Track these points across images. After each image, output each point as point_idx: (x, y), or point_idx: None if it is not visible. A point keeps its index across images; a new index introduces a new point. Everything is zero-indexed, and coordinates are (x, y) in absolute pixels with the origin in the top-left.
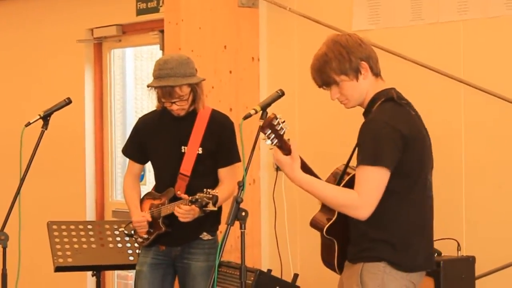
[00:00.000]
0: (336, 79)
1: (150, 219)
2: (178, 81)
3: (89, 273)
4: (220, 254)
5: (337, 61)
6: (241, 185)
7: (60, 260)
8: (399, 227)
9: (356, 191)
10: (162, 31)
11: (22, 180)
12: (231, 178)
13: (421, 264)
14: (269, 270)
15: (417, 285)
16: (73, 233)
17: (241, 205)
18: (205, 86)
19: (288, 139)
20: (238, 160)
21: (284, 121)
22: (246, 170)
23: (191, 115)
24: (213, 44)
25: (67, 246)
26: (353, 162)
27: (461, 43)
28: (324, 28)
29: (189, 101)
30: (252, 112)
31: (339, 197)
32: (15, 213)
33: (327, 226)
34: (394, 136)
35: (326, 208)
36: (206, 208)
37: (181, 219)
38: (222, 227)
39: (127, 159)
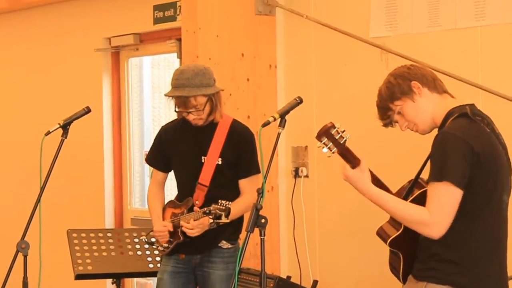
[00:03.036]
0: (392, 107)
1: (171, 229)
2: (192, 92)
3: (109, 280)
4: (240, 261)
5: (387, 89)
6: (260, 192)
7: (80, 268)
8: (468, 249)
9: (427, 208)
10: (179, 40)
11: (42, 188)
12: (251, 189)
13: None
14: (288, 277)
15: None
16: (93, 241)
17: (260, 212)
18: (223, 93)
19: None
20: (258, 171)
21: (344, 130)
22: (265, 177)
23: (212, 125)
24: (230, 52)
25: (87, 254)
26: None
27: (478, 49)
28: (341, 35)
29: (206, 111)
30: (271, 119)
31: (410, 213)
32: (35, 221)
33: (391, 238)
34: (465, 151)
35: (394, 220)
36: (219, 220)
37: (188, 234)
38: (242, 235)
39: (146, 168)
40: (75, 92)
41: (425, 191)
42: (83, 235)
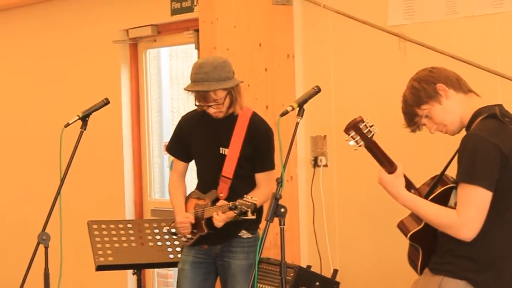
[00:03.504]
0: (419, 112)
1: (193, 221)
2: (212, 86)
3: (130, 271)
4: (260, 251)
5: (412, 95)
6: (279, 182)
7: (101, 259)
8: (486, 247)
9: (457, 210)
10: (197, 30)
11: (62, 180)
12: (267, 183)
13: (504, 286)
14: (309, 266)
15: None
16: (113, 232)
17: (280, 202)
18: (241, 84)
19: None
20: (272, 167)
21: (372, 125)
22: (284, 166)
23: (232, 117)
24: (248, 42)
25: (108, 245)
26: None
27: (496, 36)
28: (359, 23)
29: (226, 104)
30: (289, 109)
31: (440, 217)
32: (56, 213)
33: (411, 232)
34: (493, 154)
35: (415, 215)
36: (245, 217)
37: (217, 225)
38: (262, 225)
39: (165, 159)
40: (93, 84)
41: (448, 189)
42: (104, 226)
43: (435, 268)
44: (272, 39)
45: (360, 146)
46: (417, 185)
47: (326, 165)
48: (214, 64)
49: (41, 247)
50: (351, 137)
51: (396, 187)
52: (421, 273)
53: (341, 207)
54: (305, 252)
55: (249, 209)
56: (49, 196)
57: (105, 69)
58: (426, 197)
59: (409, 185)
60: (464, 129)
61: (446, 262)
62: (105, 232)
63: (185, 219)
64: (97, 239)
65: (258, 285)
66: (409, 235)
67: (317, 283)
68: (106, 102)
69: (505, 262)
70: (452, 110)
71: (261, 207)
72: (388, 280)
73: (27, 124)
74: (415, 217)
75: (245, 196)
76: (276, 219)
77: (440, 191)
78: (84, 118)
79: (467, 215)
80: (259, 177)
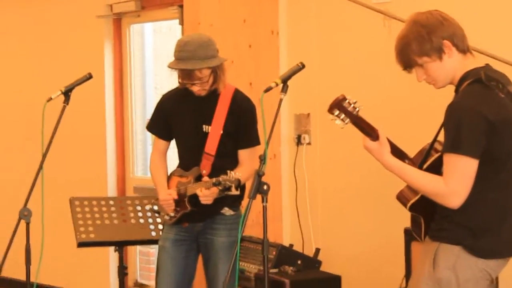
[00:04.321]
0: (418, 61)
1: (176, 197)
2: (197, 64)
3: (112, 248)
4: (243, 228)
5: (417, 43)
6: (262, 159)
7: (83, 235)
8: (479, 212)
9: (443, 179)
10: (181, 6)
11: (44, 155)
12: (250, 160)
13: (499, 251)
14: (291, 245)
15: (495, 274)
16: (95, 209)
17: (262, 179)
18: (225, 61)
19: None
20: (258, 143)
21: (355, 101)
22: (267, 143)
23: (214, 94)
24: (232, 18)
25: (90, 222)
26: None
27: (484, 13)
28: (344, 1)
29: (210, 82)
30: (273, 85)
31: (427, 185)
32: (37, 188)
33: (411, 202)
34: (478, 121)
35: None
36: (229, 192)
37: (203, 202)
38: (244, 202)
39: (148, 136)
40: (76, 59)
41: (441, 156)
42: (86, 203)
43: (433, 235)
44: (257, 15)
45: (346, 123)
46: (411, 155)
47: (309, 143)
48: (199, 42)
49: (23, 222)
50: (336, 116)
51: (381, 154)
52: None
53: (324, 186)
54: (288, 231)
55: (233, 185)
56: (31, 171)
57: (88, 44)
58: (420, 166)
59: (402, 155)
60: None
61: (442, 228)
62: (87, 209)
63: (167, 196)
64: (79, 215)
65: (240, 263)
66: (408, 205)
67: (299, 262)
68: (89, 77)
69: (501, 226)
70: (449, 69)
71: (244, 184)
72: (370, 259)
73: (9, 98)
74: None
75: (228, 171)
76: (258, 197)
77: (434, 159)
78: (67, 93)
79: (453, 183)
80: (242, 153)
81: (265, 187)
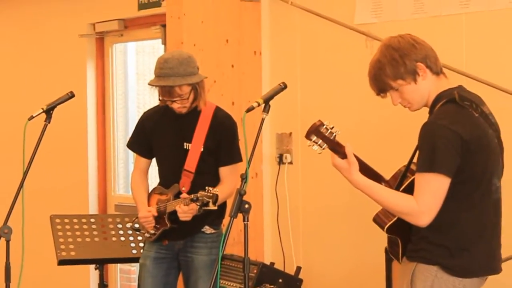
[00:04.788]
0: (393, 85)
1: (156, 214)
2: (177, 81)
3: (92, 266)
4: (224, 247)
5: (391, 66)
6: (244, 178)
7: (63, 253)
8: (456, 232)
9: (415, 198)
10: (164, 26)
11: (25, 173)
12: (232, 177)
13: (476, 270)
14: (272, 263)
15: None
16: (76, 226)
17: (244, 198)
18: (207, 80)
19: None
20: (239, 160)
21: (333, 127)
22: (249, 162)
23: (194, 112)
24: (215, 38)
25: (70, 240)
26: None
27: (463, 36)
28: (326, 21)
29: (190, 99)
30: (255, 105)
31: (397, 204)
32: (18, 206)
33: (388, 225)
34: (453, 140)
35: None
36: (207, 208)
37: (181, 219)
38: (225, 221)
39: (129, 154)
40: (59, 78)
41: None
42: (67, 220)
43: (411, 255)
44: (240, 35)
45: (324, 149)
46: (386, 175)
47: (291, 163)
48: (179, 59)
49: (3, 240)
50: (313, 141)
51: (350, 172)
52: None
53: (306, 205)
54: (269, 249)
55: (211, 200)
56: (11, 189)
57: (71, 63)
58: (396, 189)
59: (378, 178)
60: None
61: (419, 249)
62: (68, 227)
63: (147, 213)
64: (60, 233)
65: (221, 281)
66: (386, 228)
67: (280, 280)
68: (71, 96)
69: (477, 246)
70: (423, 91)
71: (225, 202)
72: (351, 277)
73: None
74: None
75: (206, 188)
76: (240, 215)
77: (409, 181)
78: (49, 111)
79: (425, 202)
80: (224, 171)
81: (246, 206)
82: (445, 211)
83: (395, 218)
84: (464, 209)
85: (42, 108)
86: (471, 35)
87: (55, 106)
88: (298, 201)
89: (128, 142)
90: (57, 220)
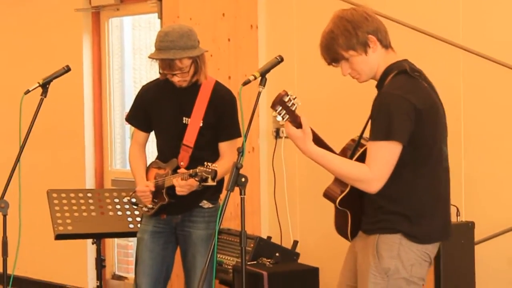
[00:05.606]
0: (345, 55)
1: (153, 189)
2: (177, 54)
3: (89, 241)
4: (220, 221)
5: (344, 37)
6: (240, 151)
7: (60, 228)
8: (413, 200)
9: (368, 165)
10: (160, 0)
11: (21, 148)
12: (231, 152)
13: (436, 235)
14: (269, 237)
15: (433, 255)
16: (73, 201)
17: (241, 172)
18: (205, 54)
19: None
20: (239, 135)
21: (295, 98)
22: (246, 136)
23: (194, 87)
24: (211, 12)
25: (67, 214)
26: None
27: (460, 8)
28: None
29: (191, 73)
30: (251, 78)
31: (351, 171)
32: (15, 181)
33: (340, 197)
34: (408, 110)
35: (338, 180)
36: (205, 183)
37: (178, 193)
38: (223, 195)
39: (126, 129)
40: (55, 52)
41: (366, 149)
42: (63, 195)
43: (369, 228)
44: (236, 9)
45: (285, 120)
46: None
47: (287, 137)
48: (180, 32)
49: (0, 214)
50: (278, 112)
51: (304, 142)
52: (351, 238)
53: (302, 179)
54: (266, 223)
55: (209, 176)
56: (8, 164)
57: (67, 37)
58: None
59: (318, 141)
60: (375, 85)
61: (378, 220)
62: (64, 201)
63: (145, 188)
64: (57, 207)
65: (218, 255)
66: (338, 200)
67: (277, 254)
68: (67, 70)
69: (434, 212)
70: (373, 63)
71: (223, 177)
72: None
73: None
74: (338, 182)
75: (205, 163)
76: (236, 190)
77: (360, 152)
78: (45, 85)
79: (378, 169)
80: (223, 146)
81: (243, 179)
82: (400, 180)
83: (346, 191)
84: (419, 176)
85: (38, 82)
86: (468, 7)
87: (51, 80)
88: (295, 175)
89: (127, 115)
90: (54, 195)
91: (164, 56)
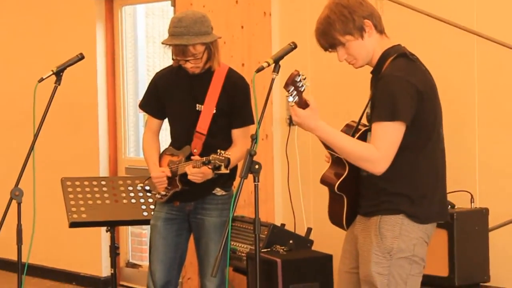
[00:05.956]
0: (342, 40)
1: (169, 174)
2: (191, 40)
3: (103, 229)
4: (234, 208)
5: (340, 22)
6: (254, 138)
7: (75, 216)
8: (415, 180)
9: (374, 145)
10: None
11: (35, 136)
12: (244, 139)
13: (434, 215)
14: (283, 224)
15: (430, 236)
16: (87, 189)
17: (254, 159)
18: (218, 41)
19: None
20: (252, 122)
21: (305, 78)
22: (259, 123)
23: (207, 73)
24: None
25: (81, 202)
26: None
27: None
28: None
29: (204, 59)
30: (265, 65)
31: (359, 150)
32: (29, 169)
33: (338, 182)
34: (411, 91)
35: (335, 165)
36: (218, 171)
37: (191, 179)
38: (236, 183)
39: (140, 117)
40: (68, 40)
41: (364, 132)
42: (77, 183)
43: (370, 211)
44: None
45: (295, 101)
46: None
47: (294, 123)
48: (193, 18)
49: (14, 202)
50: (290, 93)
51: (315, 118)
52: (347, 225)
53: (316, 166)
54: (280, 211)
55: (223, 164)
56: (22, 152)
57: (80, 25)
58: None
59: None
60: (370, 71)
61: (380, 202)
62: (78, 189)
63: (160, 173)
64: (71, 195)
65: (232, 243)
66: (337, 185)
67: (291, 241)
68: (80, 57)
69: (434, 192)
70: (369, 47)
71: (236, 165)
72: None
73: (0, 78)
74: (334, 167)
75: (219, 150)
76: (250, 177)
77: (357, 136)
78: (58, 73)
79: (385, 148)
80: (236, 133)
81: (256, 166)
82: (402, 161)
83: (344, 175)
84: (421, 157)
85: (52, 70)
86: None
87: (65, 68)
88: (309, 163)
89: (140, 102)
90: (68, 183)
91: (178, 42)
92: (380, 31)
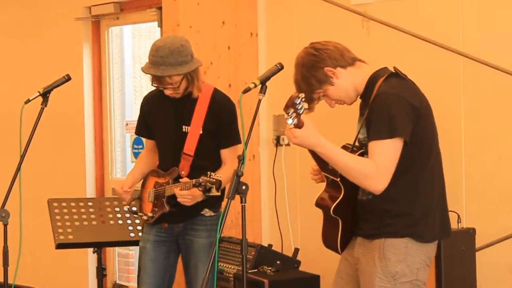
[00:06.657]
0: (318, 95)
1: (127, 190)
2: (166, 71)
3: (90, 250)
4: (221, 228)
5: (305, 83)
6: (241, 159)
7: (61, 237)
8: (419, 199)
9: (373, 162)
10: (160, 8)
11: (22, 157)
12: (233, 159)
13: (436, 234)
14: (270, 245)
15: (432, 258)
16: (74, 210)
17: (241, 180)
18: (204, 62)
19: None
20: (239, 142)
21: (304, 100)
22: (246, 144)
23: (192, 95)
24: (211, 20)
25: (68, 223)
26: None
27: (460, 15)
28: (323, 2)
29: (182, 87)
30: (252, 86)
31: (359, 166)
32: (15, 190)
33: (334, 205)
34: (407, 108)
35: (330, 188)
36: (210, 194)
37: (181, 202)
38: (224, 203)
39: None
40: (55, 61)
41: (360, 155)
42: (64, 204)
43: (374, 233)
44: (236, 17)
45: (294, 124)
46: None
47: (288, 144)
48: (171, 48)
49: (0, 224)
50: (289, 116)
51: (313, 136)
52: (342, 248)
53: (303, 187)
54: (267, 231)
55: (214, 186)
56: (8, 173)
57: (67, 46)
58: None
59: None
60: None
61: (385, 224)
62: (65, 210)
63: (119, 188)
64: (57, 217)
65: (219, 264)
66: (332, 208)
67: (278, 262)
68: (67, 79)
69: (436, 210)
70: (345, 86)
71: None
72: None
73: None
74: (330, 190)
75: (209, 173)
76: (237, 198)
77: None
78: (45, 95)
79: (385, 166)
80: (225, 153)
81: (243, 187)
82: (404, 180)
83: (340, 198)
84: (422, 176)
85: (39, 91)
86: (468, 14)
87: (51, 89)
88: (296, 183)
89: (135, 129)
90: (55, 204)
91: (153, 72)
92: (348, 63)
